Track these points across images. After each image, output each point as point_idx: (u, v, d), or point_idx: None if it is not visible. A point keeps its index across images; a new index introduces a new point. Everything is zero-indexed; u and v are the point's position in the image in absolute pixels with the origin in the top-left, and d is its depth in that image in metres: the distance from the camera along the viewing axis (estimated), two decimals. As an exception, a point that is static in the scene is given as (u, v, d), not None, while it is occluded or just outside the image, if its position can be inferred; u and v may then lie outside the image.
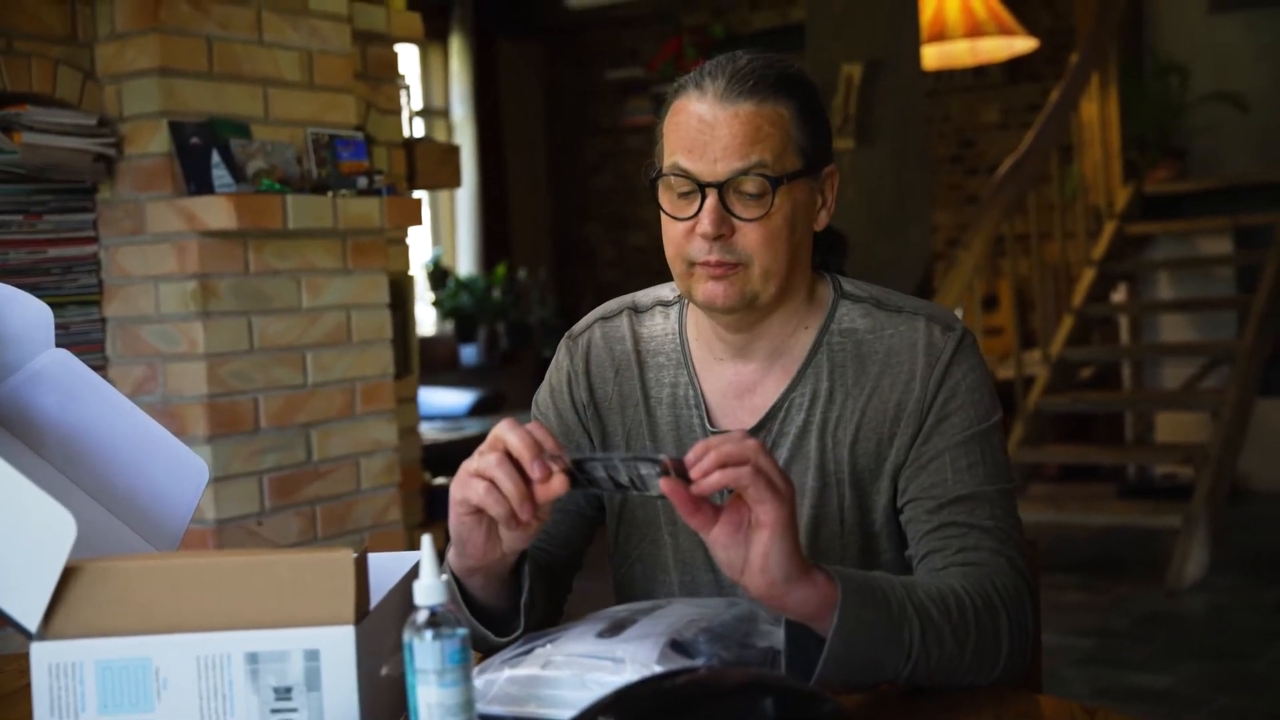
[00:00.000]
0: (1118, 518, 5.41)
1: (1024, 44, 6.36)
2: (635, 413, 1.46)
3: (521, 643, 1.20)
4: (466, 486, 1.16)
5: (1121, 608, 4.61)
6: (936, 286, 5.43)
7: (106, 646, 1.02)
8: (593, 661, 1.11)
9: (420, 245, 7.94)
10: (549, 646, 1.15)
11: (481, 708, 1.09)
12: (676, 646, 1.12)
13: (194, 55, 2.99)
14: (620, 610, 1.24)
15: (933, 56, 6.20)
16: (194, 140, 2.95)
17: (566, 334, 1.53)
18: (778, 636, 1.17)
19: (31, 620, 1.02)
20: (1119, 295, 6.66)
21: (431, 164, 3.99)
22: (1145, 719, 3.43)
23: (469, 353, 7.70)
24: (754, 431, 1.39)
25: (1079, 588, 4.87)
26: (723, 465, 1.08)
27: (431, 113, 8.17)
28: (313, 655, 1.01)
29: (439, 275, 7.80)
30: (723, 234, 1.32)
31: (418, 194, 4.04)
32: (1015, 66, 7.40)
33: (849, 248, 1.53)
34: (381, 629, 1.06)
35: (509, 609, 1.29)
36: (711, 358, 1.44)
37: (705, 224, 1.31)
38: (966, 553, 1.30)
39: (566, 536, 1.46)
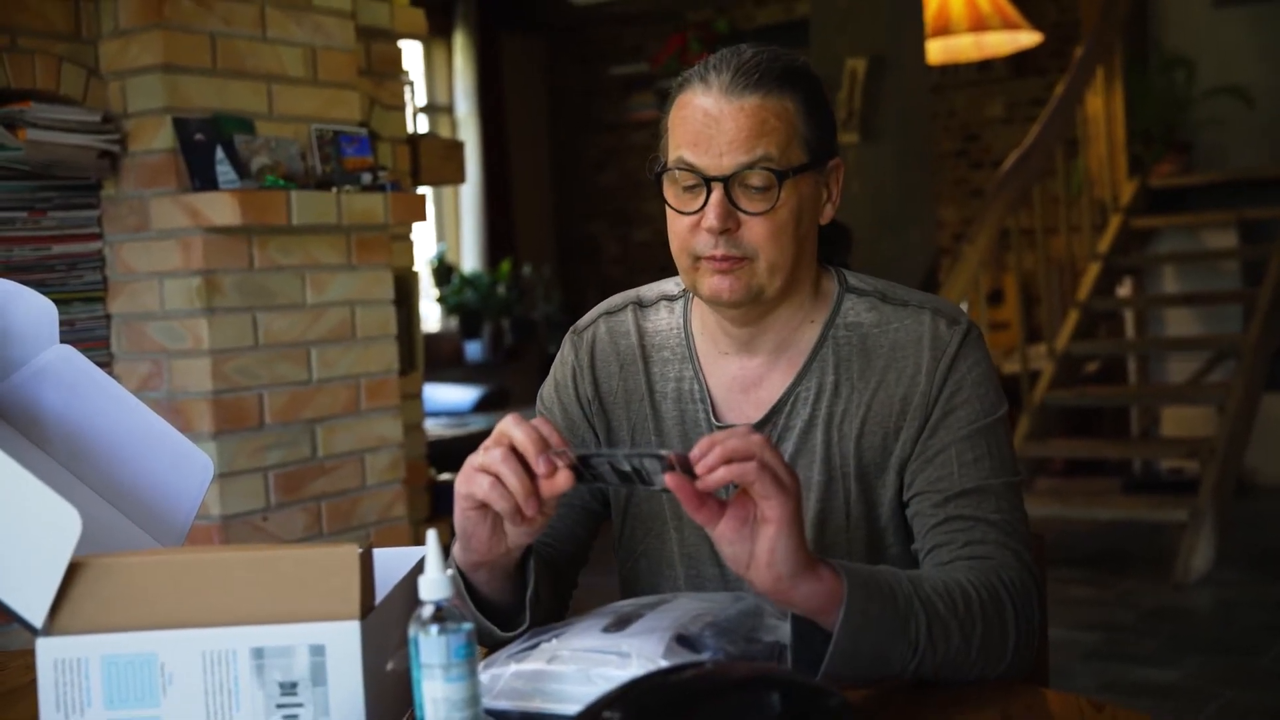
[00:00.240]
0: (1123, 512, 5.40)
1: (1029, 38, 6.35)
2: (640, 407, 1.45)
3: (527, 637, 1.20)
4: (471, 481, 1.16)
5: (1128, 602, 4.61)
6: (942, 281, 5.43)
7: (112, 642, 1.02)
8: (599, 656, 1.11)
9: (424, 241, 7.95)
10: (555, 641, 1.15)
11: (487, 702, 1.09)
12: (682, 641, 1.12)
13: (198, 51, 2.99)
14: (626, 605, 1.24)
15: (937, 51, 6.19)
16: (198, 136, 2.95)
17: (571, 329, 1.53)
18: (784, 631, 1.17)
19: (37, 616, 1.02)
20: (1124, 289, 6.65)
21: (435, 160, 3.99)
22: (1152, 714, 3.41)
23: (474, 349, 7.70)
24: (759, 425, 1.39)
25: (1085, 582, 4.87)
26: (728, 461, 1.07)
27: (435, 109, 8.17)
28: (318, 650, 1.01)
29: (443, 271, 7.80)
30: (728, 228, 1.31)
31: (422, 190, 4.04)
32: (1020, 61, 7.39)
33: (853, 241, 1.53)
34: (387, 624, 1.06)
35: (514, 604, 1.29)
36: (716, 352, 1.44)
37: (711, 218, 1.31)
38: (973, 546, 1.29)
39: (572, 531, 1.46)
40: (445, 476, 4.14)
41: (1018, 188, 5.67)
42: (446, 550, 1.20)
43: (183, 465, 1.33)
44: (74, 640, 1.02)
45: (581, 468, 1.13)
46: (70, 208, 3.01)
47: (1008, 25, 6.16)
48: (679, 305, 1.49)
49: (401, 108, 3.83)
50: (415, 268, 4.00)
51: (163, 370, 3.03)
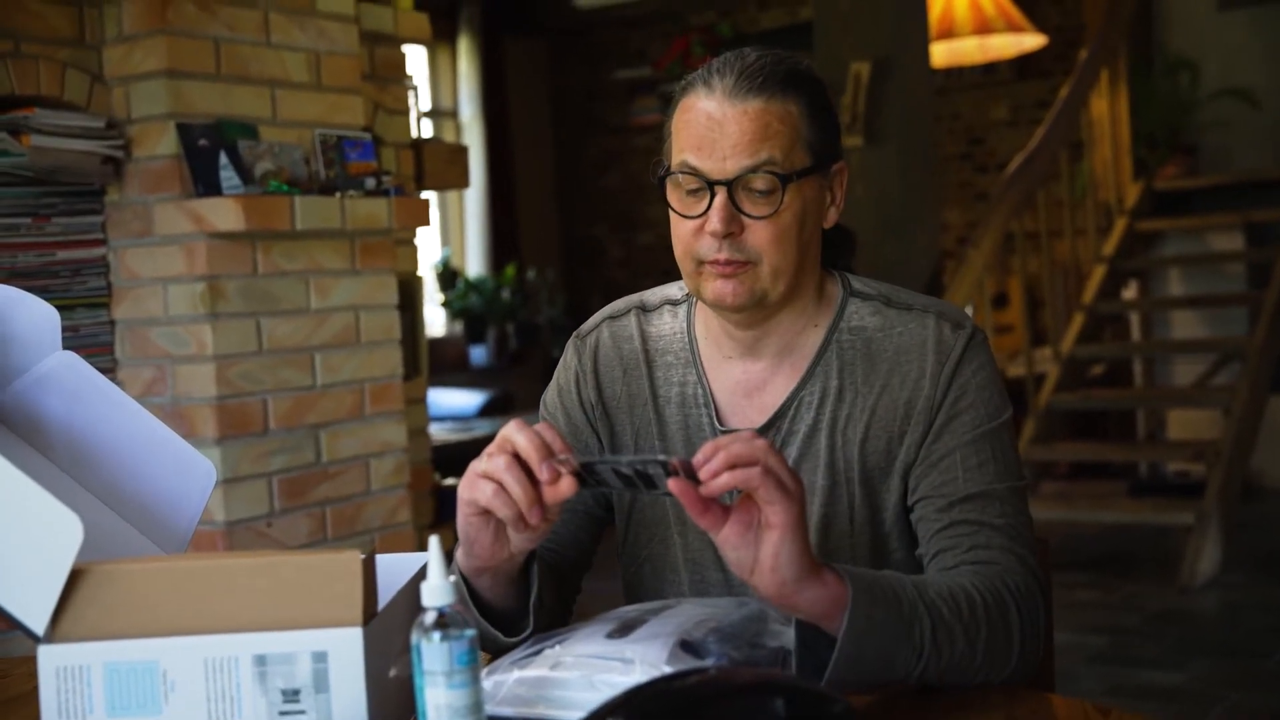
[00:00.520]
0: (1129, 515, 5.39)
1: (1033, 41, 6.34)
2: (644, 412, 1.45)
3: (530, 643, 1.19)
4: (474, 488, 1.16)
5: (1133, 605, 4.60)
6: (946, 284, 5.42)
7: (114, 649, 1.01)
8: (602, 662, 1.10)
9: (429, 246, 7.95)
10: (558, 647, 1.15)
11: (490, 709, 1.09)
12: (686, 647, 1.12)
13: (201, 57, 2.99)
14: (629, 610, 1.24)
15: (941, 54, 6.19)
16: (202, 142, 2.95)
17: (574, 334, 1.53)
18: (788, 636, 1.17)
19: (39, 623, 1.02)
20: (1129, 292, 6.64)
21: (439, 164, 3.99)
22: (1158, 717, 3.42)
23: (478, 353, 7.70)
24: (763, 430, 1.39)
25: (1091, 586, 4.86)
26: (732, 466, 1.07)
27: (439, 113, 8.18)
28: (321, 657, 1.00)
29: (448, 276, 7.80)
30: (732, 232, 1.31)
31: (426, 194, 4.04)
32: (1024, 63, 7.39)
33: (858, 245, 1.53)
34: (390, 630, 1.06)
35: (518, 609, 1.29)
36: (720, 356, 1.44)
37: (714, 222, 1.31)
38: (977, 551, 1.29)
39: (575, 536, 1.46)
40: (450, 482, 4.14)
41: (1022, 191, 5.66)
42: (450, 555, 1.19)
43: (185, 471, 1.33)
44: (76, 647, 1.02)
45: (585, 474, 1.13)
46: (74, 213, 3.01)
47: (1012, 28, 6.16)
48: (682, 310, 1.48)
49: (405, 112, 3.84)
50: (419, 272, 4.00)
51: (166, 376, 3.03)
